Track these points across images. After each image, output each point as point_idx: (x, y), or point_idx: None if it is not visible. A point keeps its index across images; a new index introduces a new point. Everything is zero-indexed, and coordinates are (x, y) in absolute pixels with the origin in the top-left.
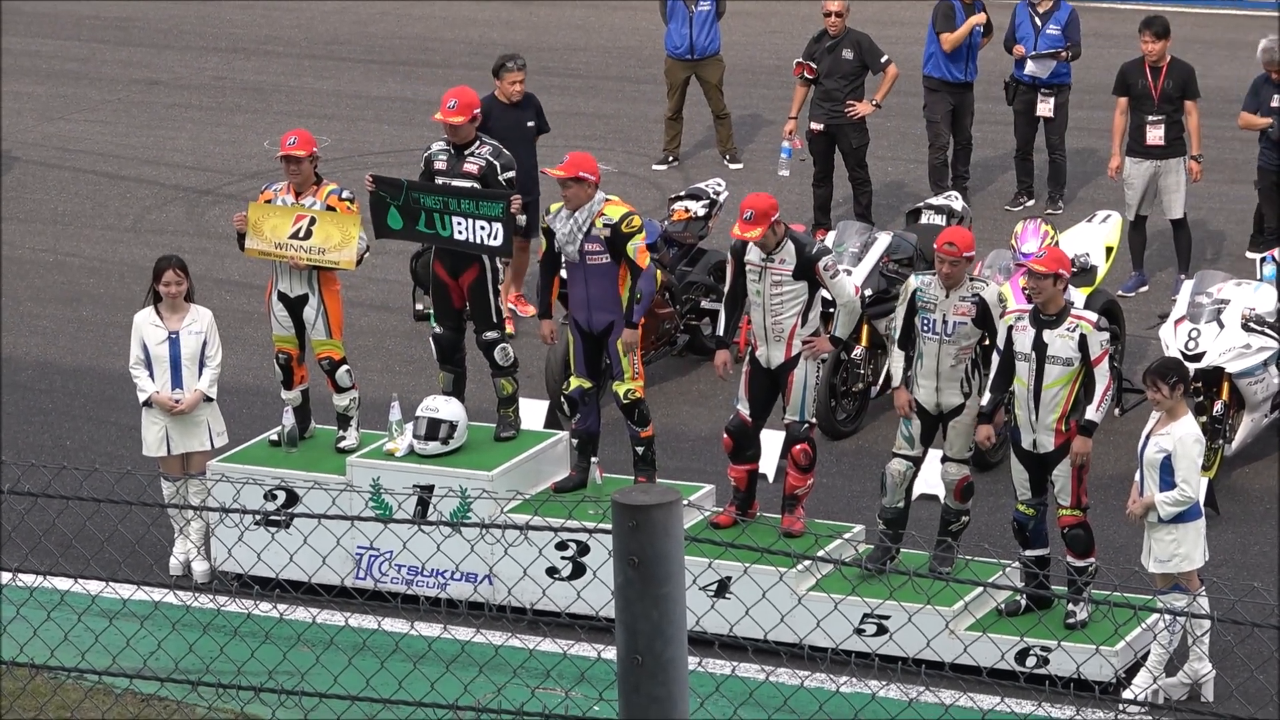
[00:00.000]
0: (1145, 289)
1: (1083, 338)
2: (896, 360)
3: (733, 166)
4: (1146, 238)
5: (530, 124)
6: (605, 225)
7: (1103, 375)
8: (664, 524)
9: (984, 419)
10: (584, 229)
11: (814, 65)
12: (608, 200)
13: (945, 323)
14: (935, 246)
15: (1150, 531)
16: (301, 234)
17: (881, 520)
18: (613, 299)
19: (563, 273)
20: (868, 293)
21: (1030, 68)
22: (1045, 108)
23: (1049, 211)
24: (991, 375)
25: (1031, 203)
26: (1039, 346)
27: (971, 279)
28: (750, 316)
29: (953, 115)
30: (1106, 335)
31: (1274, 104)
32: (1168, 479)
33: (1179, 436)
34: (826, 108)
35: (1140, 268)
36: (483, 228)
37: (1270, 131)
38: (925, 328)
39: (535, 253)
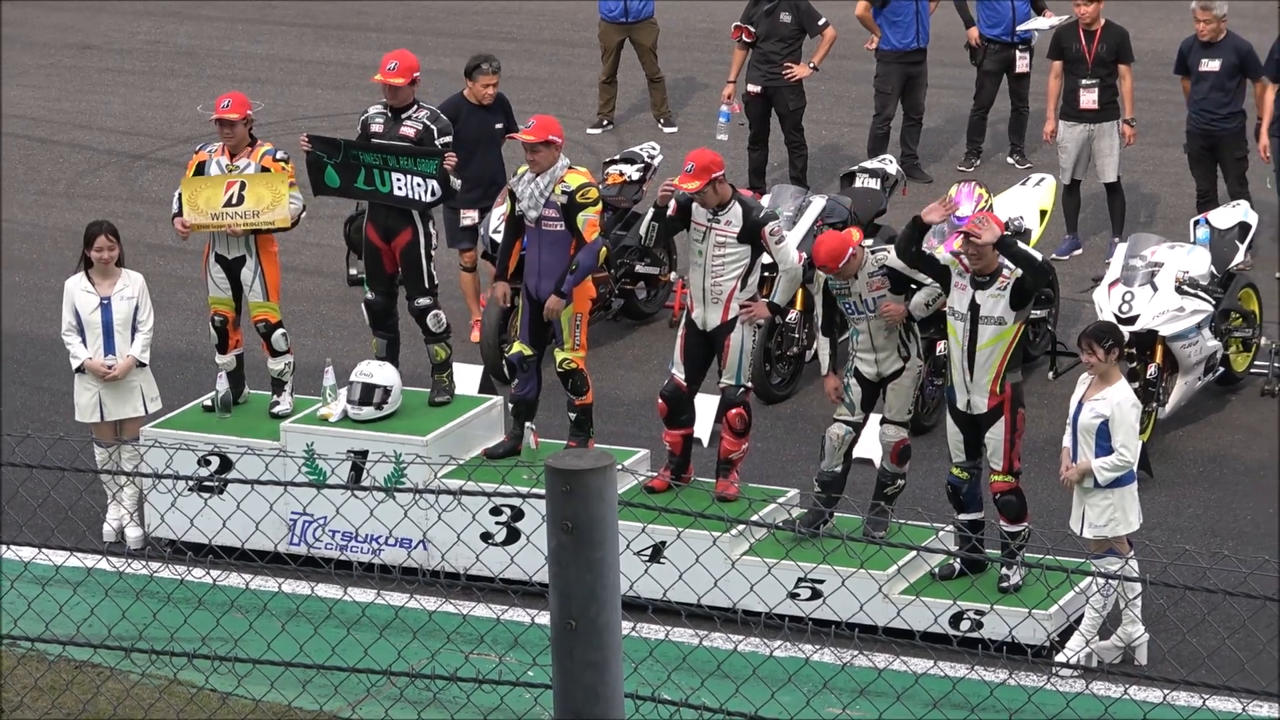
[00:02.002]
0: (1079, 252)
1: (1016, 284)
2: (823, 348)
3: (667, 130)
4: (1080, 201)
5: (499, 125)
6: (564, 193)
7: None
8: (597, 489)
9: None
10: (545, 194)
11: (752, 29)
12: (570, 168)
13: (864, 301)
14: (815, 264)
15: (1084, 496)
16: (234, 200)
17: (818, 484)
18: (563, 268)
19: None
20: (803, 256)
21: (1032, 24)
22: (1024, 63)
23: (1015, 163)
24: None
25: (979, 163)
26: (974, 307)
27: (872, 251)
28: (689, 277)
29: (905, 86)
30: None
31: (1201, 68)
32: (1104, 444)
33: (1116, 401)
34: (764, 70)
35: (1074, 231)
36: (419, 184)
37: (1196, 94)
38: (850, 310)
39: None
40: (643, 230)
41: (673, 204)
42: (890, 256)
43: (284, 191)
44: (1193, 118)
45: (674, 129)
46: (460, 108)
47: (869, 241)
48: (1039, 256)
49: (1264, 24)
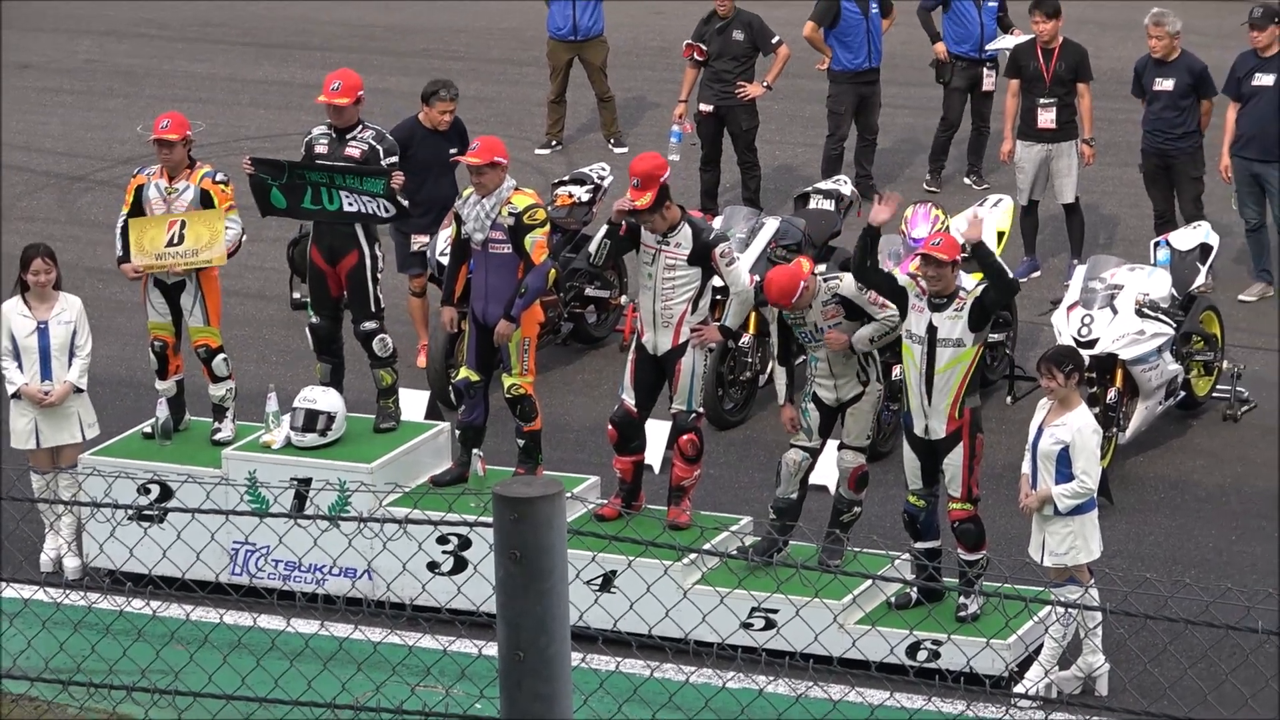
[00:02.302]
0: (1037, 274)
1: (975, 304)
2: (779, 377)
3: (617, 150)
4: (1038, 222)
5: (453, 150)
6: (510, 214)
7: None
8: (546, 517)
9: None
10: (492, 216)
11: (704, 47)
12: (517, 189)
13: (820, 329)
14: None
15: (1044, 524)
16: (175, 239)
17: (773, 511)
18: (511, 292)
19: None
20: (756, 279)
21: (1000, 43)
22: (990, 81)
23: (973, 184)
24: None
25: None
26: (931, 329)
27: (825, 278)
28: (639, 301)
29: (858, 107)
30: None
31: (1155, 87)
32: (1065, 471)
33: (1077, 427)
34: (716, 89)
35: (1032, 253)
36: (369, 201)
37: (1150, 114)
38: (806, 339)
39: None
40: (592, 248)
41: (622, 224)
42: (843, 285)
43: (220, 229)
44: (1147, 137)
45: (624, 149)
46: (414, 132)
47: (822, 267)
48: (1009, 272)
49: (1227, 41)
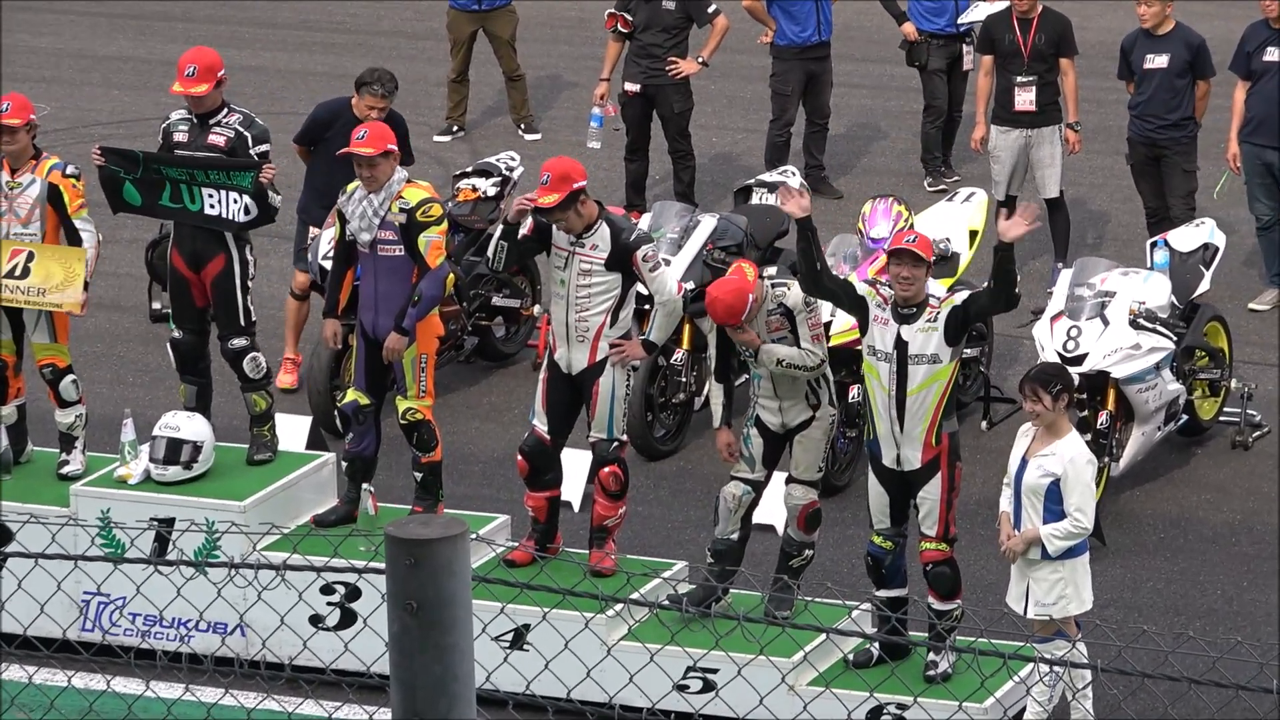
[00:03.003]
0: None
1: (954, 314)
2: (715, 396)
3: (529, 137)
4: None
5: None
6: (401, 210)
7: None
8: (448, 562)
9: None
10: (380, 213)
11: (629, 17)
12: (409, 182)
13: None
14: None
15: (1029, 569)
16: (18, 271)
17: (711, 554)
18: (404, 300)
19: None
20: (689, 286)
21: (972, 14)
22: (970, 59)
23: (938, 183)
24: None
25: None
26: (901, 345)
27: (773, 284)
28: (551, 312)
29: (807, 86)
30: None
31: (1146, 64)
32: (1054, 508)
33: (1069, 458)
34: (644, 65)
35: None
36: (235, 200)
37: (1139, 96)
38: (748, 354)
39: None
40: (490, 251)
41: (528, 222)
42: (790, 294)
43: (79, 272)
44: (1135, 123)
45: (537, 136)
46: (340, 115)
47: (771, 271)
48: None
49: (1229, 10)
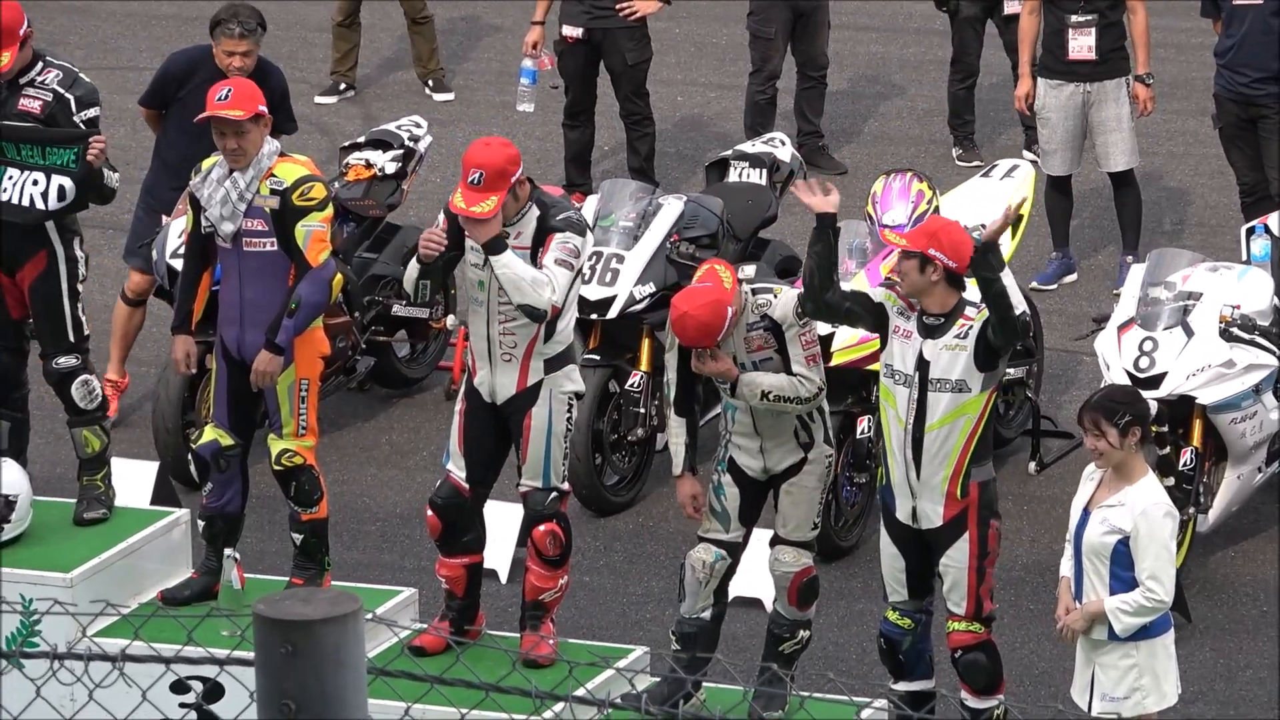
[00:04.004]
0: (1072, 278)
1: (984, 331)
2: (675, 434)
3: (439, 98)
4: (1073, 201)
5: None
6: (274, 192)
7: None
8: (335, 649)
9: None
10: (247, 197)
11: None
12: (283, 156)
13: (740, 366)
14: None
15: (1094, 653)
16: None
17: (677, 638)
18: (278, 310)
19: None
20: (648, 289)
21: None
22: (1014, 4)
23: (971, 154)
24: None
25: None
26: (922, 365)
27: (755, 290)
28: (468, 325)
29: (795, 29)
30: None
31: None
32: (1123, 574)
33: (1142, 509)
34: (588, 4)
35: (1064, 246)
36: (38, 181)
37: (1228, 41)
38: (722, 384)
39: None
40: (407, 284)
41: (440, 220)
42: (778, 303)
43: None
44: (1224, 75)
45: (449, 96)
46: (199, 67)
47: (748, 271)
48: (1021, 304)
49: None
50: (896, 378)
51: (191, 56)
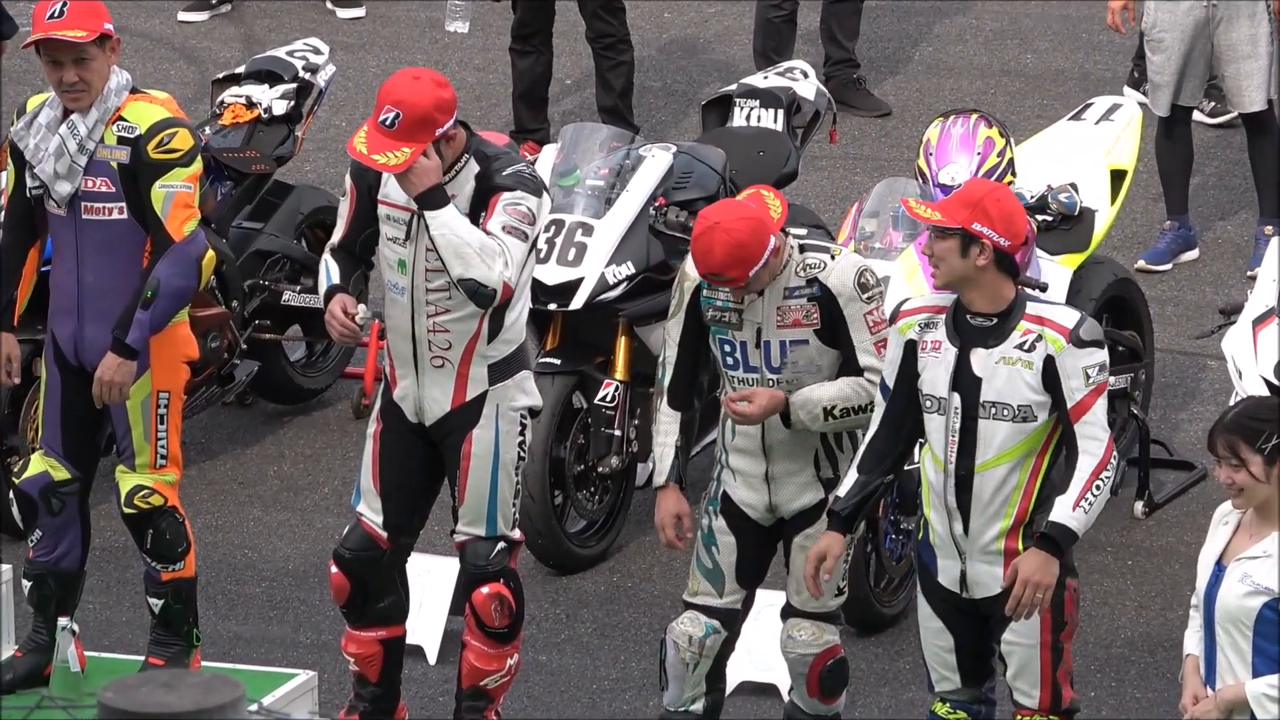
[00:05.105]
0: (1193, 255)
1: (1049, 362)
2: (663, 429)
3: (344, 14)
4: (1193, 152)
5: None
6: (122, 141)
7: (1093, 436)
8: None
9: (832, 525)
10: (88, 147)
11: None
12: (135, 93)
13: (764, 346)
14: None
15: None
16: None
17: None
18: (128, 298)
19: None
20: (625, 270)
21: None
22: None
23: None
24: (864, 440)
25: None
26: (965, 383)
27: (804, 247)
28: (385, 318)
29: None
30: (1103, 355)
31: None
32: (1270, 647)
33: None
34: None
35: (1181, 213)
36: None
37: None
38: (729, 359)
39: None
40: (323, 277)
41: (348, 184)
42: (836, 266)
43: None
44: None
45: (358, 11)
46: None
47: (799, 231)
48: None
49: None
50: (929, 404)
51: None
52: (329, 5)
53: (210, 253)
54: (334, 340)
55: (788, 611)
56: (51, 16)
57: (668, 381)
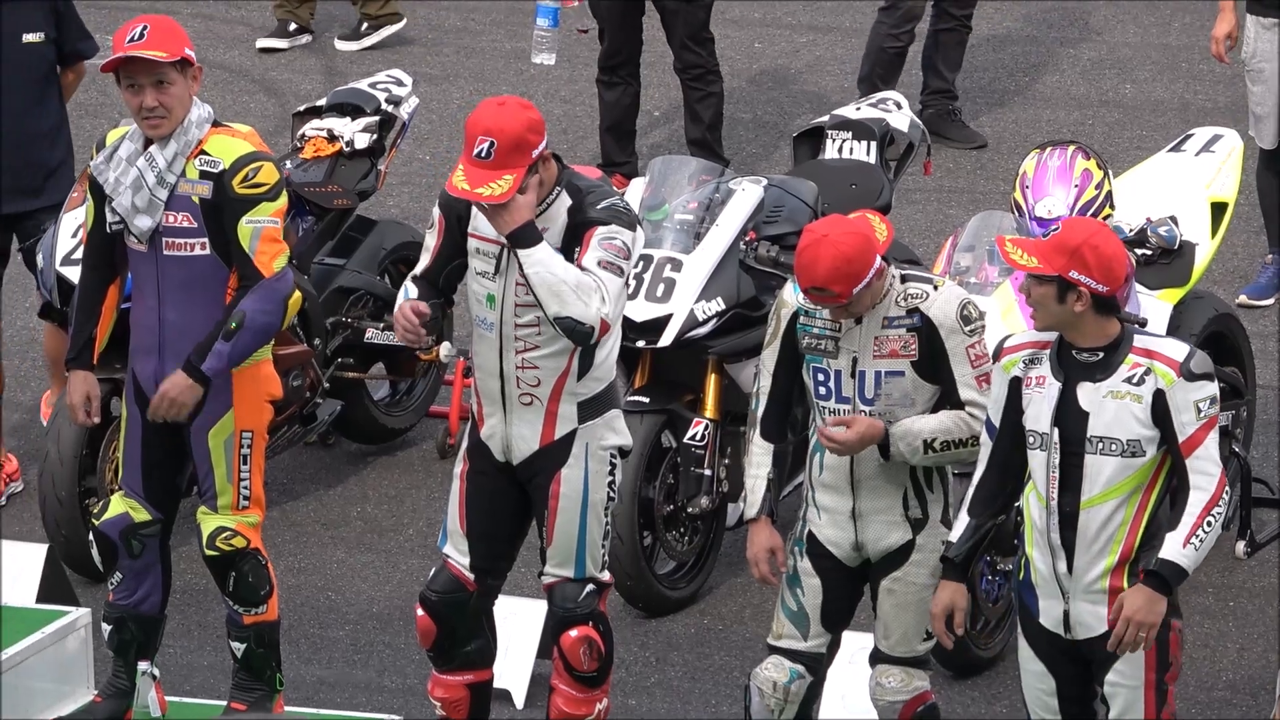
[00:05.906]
0: None
1: (1159, 396)
2: (756, 462)
3: (343, 46)
4: None
5: (37, 37)
6: (204, 175)
7: (1204, 471)
8: None
9: (949, 574)
10: (169, 181)
11: None
12: (217, 126)
13: (859, 376)
14: (798, 271)
15: None
16: None
17: None
18: (211, 331)
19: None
20: (715, 306)
21: None
22: None
23: None
24: (973, 483)
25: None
26: (1070, 418)
27: (905, 277)
28: (473, 356)
29: None
30: (1214, 388)
31: None
32: None
33: None
34: None
35: None
36: None
37: None
38: (822, 388)
39: None
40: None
41: (435, 215)
42: (938, 297)
43: None
44: None
45: (354, 45)
46: None
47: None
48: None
49: None
50: (1032, 439)
51: None
52: (337, 44)
53: (297, 293)
54: (398, 339)
55: (875, 657)
56: (131, 39)
57: (761, 411)
